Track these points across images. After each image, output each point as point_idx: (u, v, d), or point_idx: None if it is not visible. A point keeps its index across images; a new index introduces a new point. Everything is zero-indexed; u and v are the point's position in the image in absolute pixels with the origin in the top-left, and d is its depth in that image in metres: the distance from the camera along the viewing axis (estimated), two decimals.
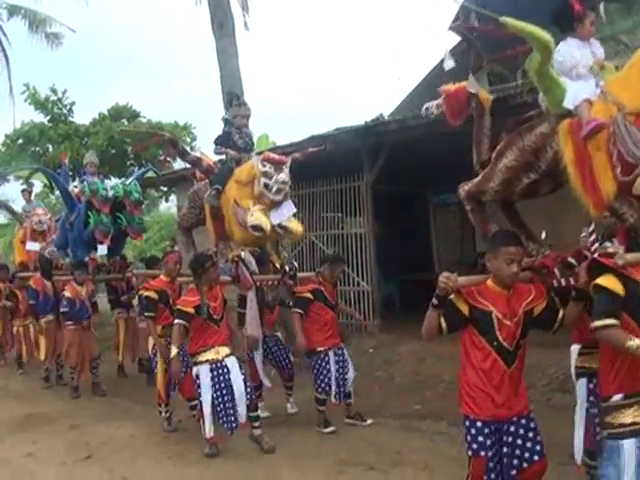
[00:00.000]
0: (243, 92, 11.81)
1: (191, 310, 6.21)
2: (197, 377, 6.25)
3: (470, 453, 3.87)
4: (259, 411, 6.76)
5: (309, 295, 7.07)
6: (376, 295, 11.36)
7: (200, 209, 7.50)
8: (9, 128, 20.07)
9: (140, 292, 8.26)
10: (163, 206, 32.04)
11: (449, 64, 5.65)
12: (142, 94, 71.71)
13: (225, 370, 6.18)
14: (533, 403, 7.41)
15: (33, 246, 11.50)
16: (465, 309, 3.92)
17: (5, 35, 28.34)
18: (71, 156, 16.01)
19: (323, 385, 6.89)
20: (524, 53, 4.65)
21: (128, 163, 17.94)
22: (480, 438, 3.84)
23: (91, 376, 9.52)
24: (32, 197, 13.27)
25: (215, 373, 6.16)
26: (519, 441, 3.87)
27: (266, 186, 6.47)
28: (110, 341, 10.96)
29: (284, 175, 6.53)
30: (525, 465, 3.85)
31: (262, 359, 7.56)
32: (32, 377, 11.03)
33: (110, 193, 9.37)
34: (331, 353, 6.98)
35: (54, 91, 18.05)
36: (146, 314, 7.53)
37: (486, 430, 3.85)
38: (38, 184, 17.41)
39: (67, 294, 9.38)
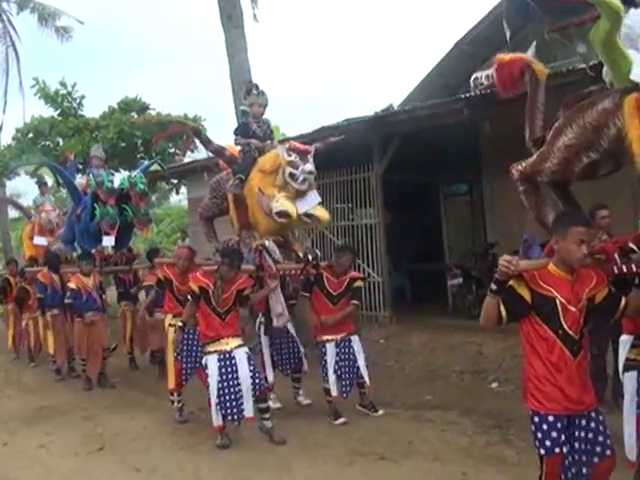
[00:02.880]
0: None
1: (196, 289, 6.27)
2: (206, 367, 6.28)
3: (543, 452, 3.61)
4: (270, 402, 6.77)
5: (311, 278, 7.13)
6: (387, 286, 11.34)
7: (222, 198, 7.59)
8: (19, 122, 20.18)
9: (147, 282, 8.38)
10: (174, 198, 32.13)
11: (509, 34, 5.50)
12: (151, 86, 71.80)
13: (233, 362, 6.17)
14: None
15: (40, 240, 11.66)
16: (527, 295, 3.65)
17: (15, 29, 28.52)
18: (82, 150, 16.07)
19: (323, 375, 6.95)
20: (590, 21, 4.34)
21: (138, 156, 17.95)
22: (554, 434, 3.59)
23: (100, 367, 9.55)
24: (47, 190, 13.27)
25: (222, 364, 6.15)
26: (591, 435, 3.64)
27: (292, 176, 6.51)
28: (119, 334, 10.99)
29: (310, 165, 6.56)
30: (597, 460, 3.62)
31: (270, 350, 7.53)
32: (44, 370, 11.09)
33: (116, 185, 9.53)
34: (329, 345, 6.94)
35: (64, 85, 18.08)
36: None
37: (559, 425, 3.61)
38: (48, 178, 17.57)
39: (72, 285, 9.34)
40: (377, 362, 6.89)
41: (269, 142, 7.28)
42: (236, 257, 6.35)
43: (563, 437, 3.59)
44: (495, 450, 5.78)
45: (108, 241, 9.72)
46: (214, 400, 6.13)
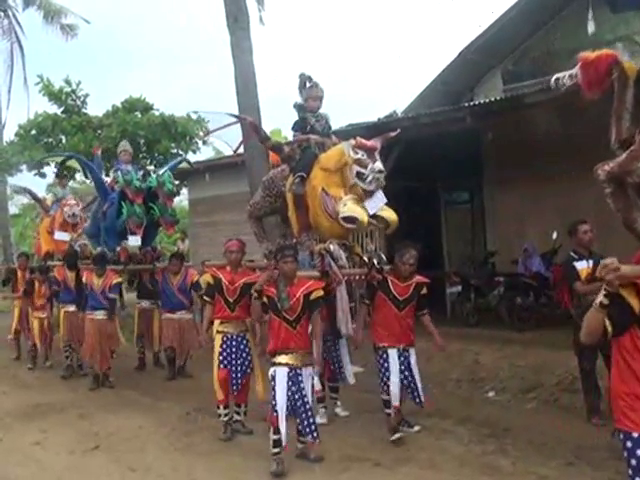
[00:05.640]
0: (256, 86, 11.83)
1: (266, 300, 5.83)
2: (272, 378, 5.71)
3: None
4: (317, 417, 6.39)
5: (374, 283, 6.55)
6: None
7: (275, 197, 7.13)
8: (23, 118, 20.17)
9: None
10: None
11: (591, 27, 5.22)
12: (151, 86, 71.77)
13: (300, 378, 5.67)
14: (541, 403, 7.49)
15: (62, 236, 11.29)
16: (637, 305, 3.21)
17: (20, 26, 28.61)
18: (84, 148, 16.05)
19: (382, 384, 6.38)
20: None
21: (141, 156, 17.94)
22: None
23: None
24: (66, 183, 13.14)
25: (292, 380, 5.64)
26: None
27: (360, 175, 6.12)
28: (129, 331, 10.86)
29: (379, 163, 6.16)
30: None
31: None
32: (41, 367, 11.11)
33: (144, 184, 9.33)
34: (391, 351, 6.36)
35: (68, 83, 18.06)
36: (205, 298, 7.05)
37: None
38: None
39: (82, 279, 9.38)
40: (374, 368, 6.85)
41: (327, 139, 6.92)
42: (296, 251, 5.96)
43: None
44: (491, 459, 5.77)
45: (134, 241, 9.58)
46: (283, 415, 5.55)
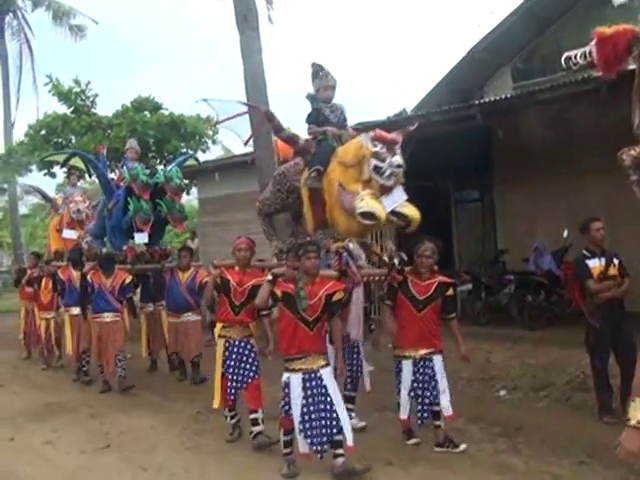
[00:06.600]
0: (266, 85, 11.81)
1: (279, 293, 5.51)
2: (286, 386, 5.42)
3: None
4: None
5: (395, 284, 6.14)
6: None
7: (288, 192, 6.82)
8: (32, 118, 20.25)
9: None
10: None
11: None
12: (164, 85, 71.90)
13: (320, 382, 5.37)
14: (553, 402, 7.45)
15: (70, 234, 11.16)
16: None
17: (29, 26, 28.73)
18: (94, 148, 16.11)
19: (397, 391, 6.12)
20: None
21: (150, 155, 17.98)
22: None
23: (118, 370, 9.03)
24: (77, 180, 13.05)
25: (308, 385, 5.35)
26: None
27: (377, 169, 5.81)
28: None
29: (399, 157, 5.85)
30: None
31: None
32: (52, 367, 11.16)
33: (151, 179, 9.17)
34: (405, 363, 6.01)
35: (77, 83, 18.13)
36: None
37: None
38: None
39: (88, 278, 9.10)
40: (385, 368, 6.80)
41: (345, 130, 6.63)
42: (319, 247, 5.66)
43: None
44: (503, 458, 5.75)
45: (141, 238, 9.38)
46: (298, 426, 5.30)
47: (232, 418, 6.57)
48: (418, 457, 5.83)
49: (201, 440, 6.64)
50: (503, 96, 10.23)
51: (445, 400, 5.93)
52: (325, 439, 5.29)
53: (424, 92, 15.15)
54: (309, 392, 5.33)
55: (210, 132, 18.98)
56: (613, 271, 6.67)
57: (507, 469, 5.48)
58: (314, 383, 5.35)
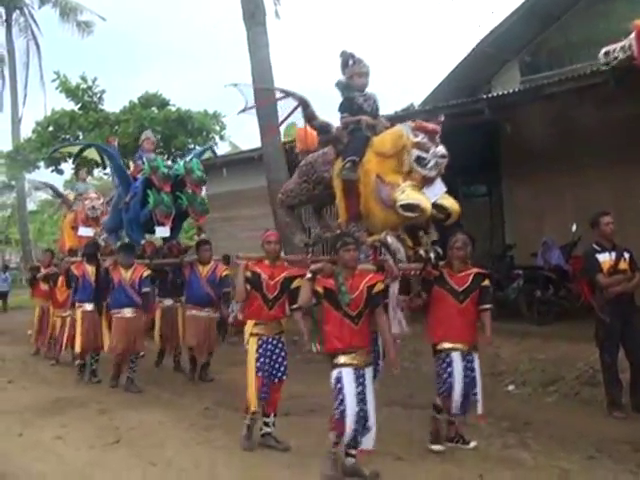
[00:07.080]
0: (273, 81, 11.82)
1: (320, 290, 5.30)
2: (338, 381, 5.20)
3: None
4: None
5: (431, 278, 5.92)
6: None
7: (315, 184, 6.63)
8: (40, 115, 20.30)
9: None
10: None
11: None
12: (171, 81, 71.96)
13: (365, 381, 5.24)
14: (562, 397, 7.44)
15: (86, 231, 10.93)
16: None
17: (36, 23, 28.83)
18: (106, 139, 16.11)
19: (441, 389, 5.81)
20: None
21: (157, 151, 18.00)
22: None
23: (128, 371, 8.93)
24: (85, 175, 13.02)
25: (358, 382, 5.19)
26: None
27: (419, 160, 5.65)
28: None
29: (442, 148, 5.74)
30: None
31: None
32: (61, 362, 11.20)
33: (171, 171, 8.87)
34: (455, 354, 5.76)
35: (84, 79, 18.16)
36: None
37: None
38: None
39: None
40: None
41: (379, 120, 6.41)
42: (357, 240, 5.53)
43: None
44: (511, 453, 5.76)
45: (162, 232, 9.06)
46: (351, 420, 5.09)
47: (250, 420, 6.20)
48: (427, 452, 5.82)
49: (210, 435, 6.64)
50: (512, 90, 10.20)
51: (480, 400, 5.83)
52: (362, 439, 5.23)
53: (429, 89, 15.18)
54: (360, 389, 5.18)
55: (217, 127, 18.95)
56: (624, 265, 6.66)
57: (516, 464, 5.48)
58: (360, 380, 5.21)
